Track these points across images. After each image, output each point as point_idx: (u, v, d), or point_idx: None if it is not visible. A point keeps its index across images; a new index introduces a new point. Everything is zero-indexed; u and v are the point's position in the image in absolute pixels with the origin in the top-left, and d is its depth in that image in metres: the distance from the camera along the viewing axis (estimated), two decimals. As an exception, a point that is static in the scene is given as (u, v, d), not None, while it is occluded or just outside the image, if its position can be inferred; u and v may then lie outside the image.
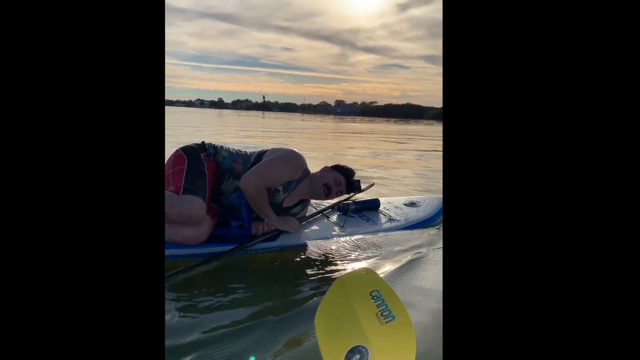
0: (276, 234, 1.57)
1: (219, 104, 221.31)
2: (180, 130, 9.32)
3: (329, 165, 1.82)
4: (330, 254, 1.54)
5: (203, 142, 1.67)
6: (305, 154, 1.74)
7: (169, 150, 1.53)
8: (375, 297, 0.81)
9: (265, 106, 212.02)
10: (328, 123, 23.21)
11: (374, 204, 1.99)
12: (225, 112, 57.71)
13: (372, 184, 2.35)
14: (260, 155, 1.68)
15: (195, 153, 1.57)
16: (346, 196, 2.04)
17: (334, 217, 1.87)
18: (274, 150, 1.68)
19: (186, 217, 1.37)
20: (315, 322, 0.83)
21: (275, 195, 1.64)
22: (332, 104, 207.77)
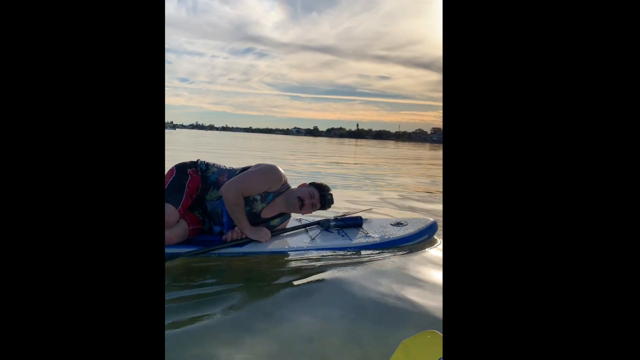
0: (245, 241, 1.76)
1: (313, 132, 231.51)
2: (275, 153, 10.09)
3: (307, 182, 1.98)
4: (295, 263, 1.68)
5: (198, 160, 1.96)
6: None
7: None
8: None
9: (359, 134, 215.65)
10: (423, 151, 22.80)
11: (355, 222, 2.07)
12: (319, 139, 60.29)
13: (370, 209, 2.42)
14: (244, 169, 1.91)
15: (184, 168, 1.86)
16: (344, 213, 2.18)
17: (313, 232, 1.99)
18: (257, 165, 1.91)
19: None
20: None
21: (253, 204, 1.85)
22: (429, 132, 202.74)
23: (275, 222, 1.95)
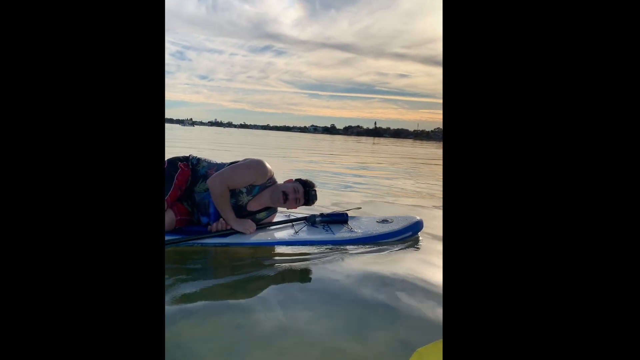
0: (230, 232, 1.83)
1: (331, 130, 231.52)
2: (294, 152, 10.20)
3: (293, 178, 2.03)
4: (275, 255, 1.74)
5: (190, 155, 2.04)
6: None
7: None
8: None
9: (377, 132, 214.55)
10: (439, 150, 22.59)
11: (341, 218, 2.11)
12: (336, 137, 60.29)
13: (359, 207, 2.47)
14: (232, 163, 1.97)
15: (175, 161, 1.94)
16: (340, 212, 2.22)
17: (299, 227, 2.05)
18: (245, 159, 1.97)
19: None
20: None
21: (239, 196, 1.91)
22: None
23: (261, 215, 2.01)
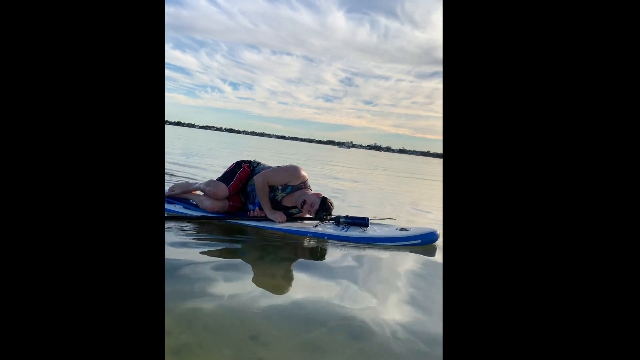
0: (263, 219, 2.33)
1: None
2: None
3: (322, 195, 2.42)
4: (292, 241, 2.18)
5: (254, 160, 2.66)
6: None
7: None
8: None
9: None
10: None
11: (362, 222, 2.37)
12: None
13: (393, 219, 2.68)
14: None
15: (240, 163, 2.58)
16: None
17: (324, 223, 2.41)
18: (287, 164, 2.49)
19: (211, 192, 2.41)
20: None
21: (276, 192, 2.42)
22: None
23: (294, 210, 2.46)
